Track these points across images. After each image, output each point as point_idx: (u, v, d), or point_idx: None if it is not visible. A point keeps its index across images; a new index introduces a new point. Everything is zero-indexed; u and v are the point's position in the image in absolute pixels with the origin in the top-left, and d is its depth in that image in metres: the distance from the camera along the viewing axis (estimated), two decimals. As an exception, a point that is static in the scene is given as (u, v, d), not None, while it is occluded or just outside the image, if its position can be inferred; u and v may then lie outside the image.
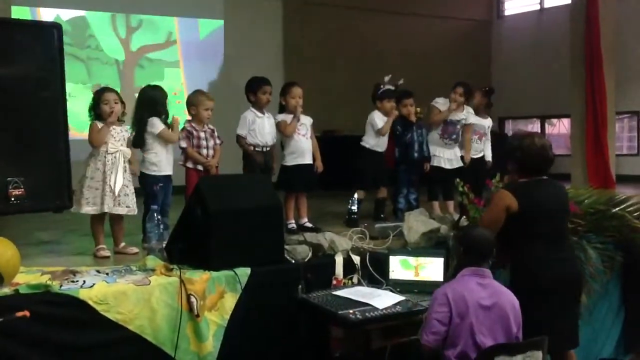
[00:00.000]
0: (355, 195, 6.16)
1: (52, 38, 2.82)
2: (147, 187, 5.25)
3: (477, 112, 7.02)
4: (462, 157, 6.83)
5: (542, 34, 13.47)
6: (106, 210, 4.86)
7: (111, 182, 4.84)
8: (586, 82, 9.49)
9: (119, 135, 4.98)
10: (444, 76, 8.89)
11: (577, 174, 9.25)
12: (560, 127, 13.80)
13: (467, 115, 6.83)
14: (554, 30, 12.53)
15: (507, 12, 14.87)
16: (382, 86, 6.55)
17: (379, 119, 6.46)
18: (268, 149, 5.91)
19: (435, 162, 6.67)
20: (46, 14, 9.98)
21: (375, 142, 6.47)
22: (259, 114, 5.86)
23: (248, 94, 5.93)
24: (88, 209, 4.84)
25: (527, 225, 4.16)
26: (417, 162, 6.63)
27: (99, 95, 4.96)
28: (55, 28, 2.81)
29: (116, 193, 4.85)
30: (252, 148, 5.81)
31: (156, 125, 5.24)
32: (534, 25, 13.99)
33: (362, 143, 6.53)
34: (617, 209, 5.64)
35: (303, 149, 5.99)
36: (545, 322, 3.97)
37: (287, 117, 5.94)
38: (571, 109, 9.96)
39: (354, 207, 6.14)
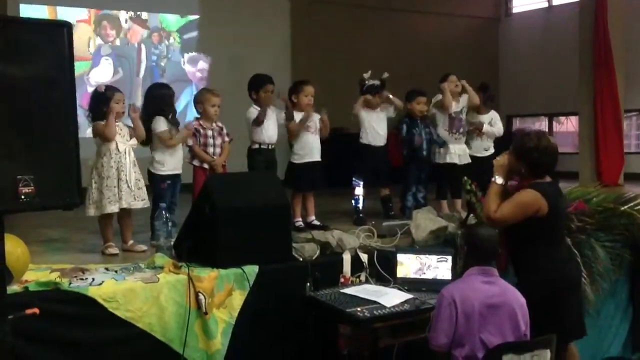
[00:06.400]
0: (359, 193, 6.16)
1: (62, 37, 2.81)
2: (155, 185, 5.28)
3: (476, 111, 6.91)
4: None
5: (550, 32, 13.40)
6: (125, 206, 4.90)
7: (128, 178, 4.89)
8: (594, 80, 9.48)
9: (122, 131, 5.02)
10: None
11: (585, 172, 9.23)
12: (568, 124, 13.76)
13: (465, 103, 6.74)
14: (562, 28, 12.46)
15: (515, 10, 14.80)
16: (365, 82, 6.55)
17: (365, 113, 6.52)
18: (273, 146, 5.91)
19: (447, 159, 6.61)
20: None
21: (365, 137, 6.52)
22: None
23: (250, 91, 5.92)
24: (112, 207, 4.86)
25: (549, 228, 4.13)
26: (425, 161, 6.61)
27: (111, 95, 4.94)
28: (65, 27, 2.81)
29: (132, 187, 4.91)
30: (257, 146, 5.81)
31: (159, 124, 5.25)
32: (542, 22, 13.92)
33: (360, 140, 6.57)
34: (625, 207, 5.63)
35: (312, 146, 6.00)
36: (555, 319, 3.96)
37: (296, 116, 5.92)
38: (579, 107, 9.93)
39: (360, 205, 6.14)
